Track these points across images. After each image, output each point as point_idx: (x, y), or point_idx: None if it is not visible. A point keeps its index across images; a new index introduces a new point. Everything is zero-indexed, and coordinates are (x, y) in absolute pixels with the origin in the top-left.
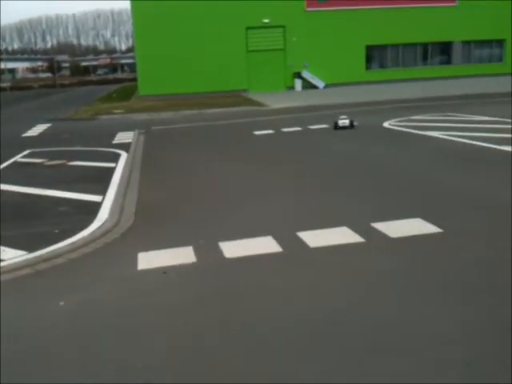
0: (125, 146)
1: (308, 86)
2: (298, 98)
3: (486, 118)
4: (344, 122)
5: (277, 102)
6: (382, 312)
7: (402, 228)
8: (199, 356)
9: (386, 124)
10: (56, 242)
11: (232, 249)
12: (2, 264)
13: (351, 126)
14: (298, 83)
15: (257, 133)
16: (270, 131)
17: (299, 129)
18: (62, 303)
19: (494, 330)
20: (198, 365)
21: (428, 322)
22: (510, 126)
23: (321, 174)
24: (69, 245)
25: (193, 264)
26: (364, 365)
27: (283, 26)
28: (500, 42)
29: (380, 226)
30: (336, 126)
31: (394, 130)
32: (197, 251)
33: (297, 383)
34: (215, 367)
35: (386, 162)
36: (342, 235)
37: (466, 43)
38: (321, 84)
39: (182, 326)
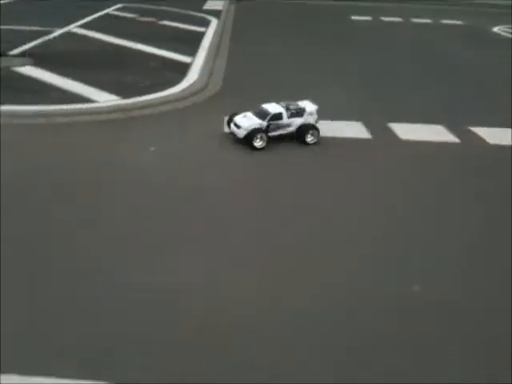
0: (215, 13)
1: None
2: None
3: None
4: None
5: None
6: None
7: (497, 135)
8: None
9: (495, 29)
10: (146, 93)
11: None
12: (97, 105)
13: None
14: None
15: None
16: (368, 18)
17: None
18: (152, 148)
19: None
20: None
21: None
22: None
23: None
24: (159, 98)
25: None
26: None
27: None
28: None
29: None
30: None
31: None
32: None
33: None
34: None
35: None
36: (436, 133)
37: None
38: None
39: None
